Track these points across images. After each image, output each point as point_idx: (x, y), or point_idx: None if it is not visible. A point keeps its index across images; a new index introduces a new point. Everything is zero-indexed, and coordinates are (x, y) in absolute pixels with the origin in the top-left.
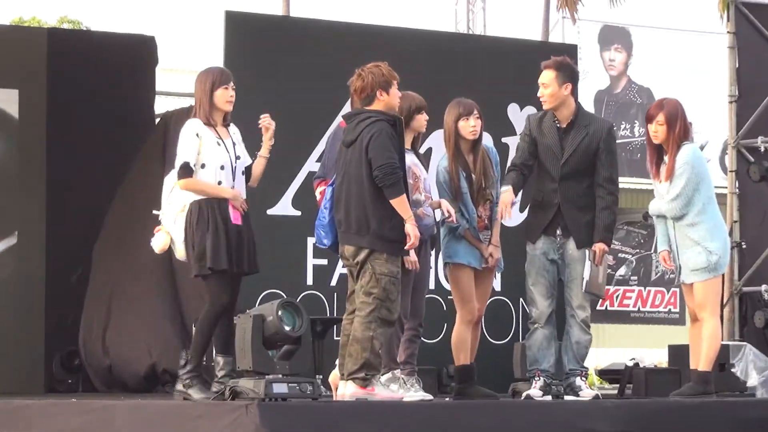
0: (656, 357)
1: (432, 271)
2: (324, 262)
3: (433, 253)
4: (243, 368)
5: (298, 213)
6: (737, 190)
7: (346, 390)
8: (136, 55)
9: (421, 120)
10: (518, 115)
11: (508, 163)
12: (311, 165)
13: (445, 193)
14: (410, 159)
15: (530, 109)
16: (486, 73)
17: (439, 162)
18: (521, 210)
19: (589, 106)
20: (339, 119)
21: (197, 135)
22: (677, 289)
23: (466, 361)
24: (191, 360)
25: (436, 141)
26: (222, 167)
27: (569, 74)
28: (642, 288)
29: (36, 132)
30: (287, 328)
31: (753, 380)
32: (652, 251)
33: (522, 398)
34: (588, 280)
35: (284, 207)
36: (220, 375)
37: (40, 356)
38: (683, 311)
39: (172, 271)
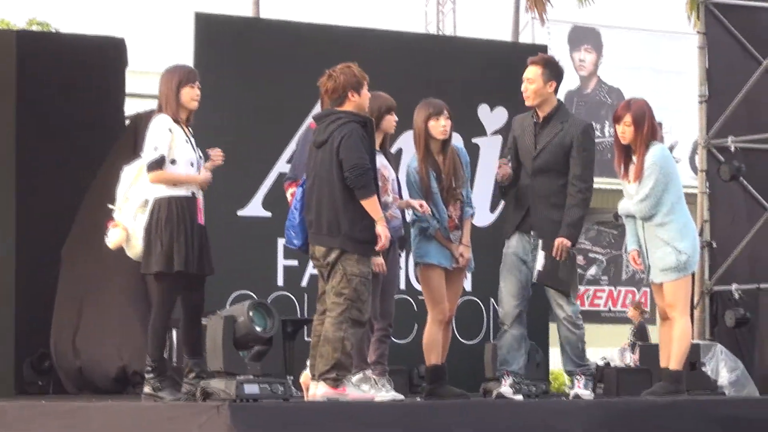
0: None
1: (402, 272)
2: (294, 263)
3: (402, 254)
4: (214, 369)
5: (269, 214)
6: (708, 190)
7: (317, 390)
8: (106, 57)
9: (391, 121)
10: (488, 116)
11: (479, 164)
12: (281, 166)
13: (415, 194)
14: (379, 161)
15: (501, 110)
16: (456, 74)
17: (409, 162)
18: (492, 210)
19: None
20: (309, 120)
21: (170, 130)
22: (647, 289)
23: (437, 361)
24: (156, 363)
25: (407, 142)
26: (192, 164)
27: (555, 72)
28: (612, 288)
29: (5, 134)
30: (258, 329)
31: (723, 379)
32: (623, 251)
33: (493, 397)
34: (540, 271)
35: (255, 208)
36: (190, 377)
37: (10, 358)
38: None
39: None
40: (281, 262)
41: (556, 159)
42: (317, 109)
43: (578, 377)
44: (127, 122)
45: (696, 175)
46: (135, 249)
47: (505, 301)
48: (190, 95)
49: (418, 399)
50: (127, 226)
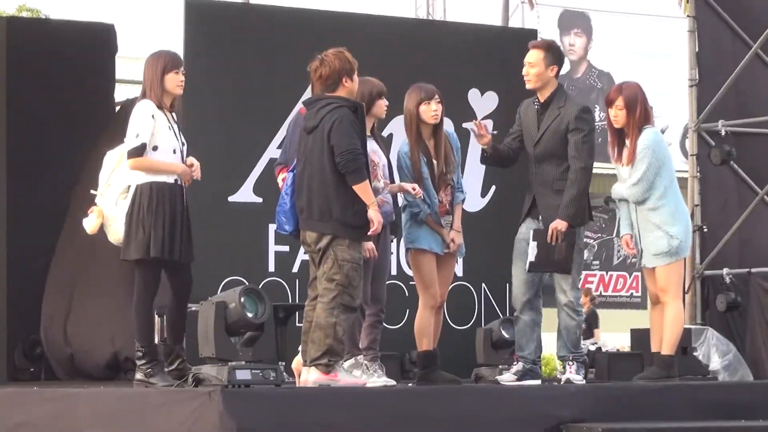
0: (618, 341)
1: (393, 258)
2: (286, 248)
3: (394, 239)
4: (206, 355)
5: (260, 200)
6: (698, 174)
7: (309, 376)
8: (95, 43)
9: (382, 106)
10: (479, 101)
11: (469, 149)
12: (272, 152)
13: (407, 179)
14: (369, 146)
15: (491, 94)
16: (446, 59)
17: (400, 147)
18: (482, 195)
19: None
20: (300, 105)
21: (153, 116)
22: (639, 273)
23: (428, 347)
24: (146, 349)
25: (397, 126)
26: (174, 151)
27: (557, 57)
28: (604, 272)
29: None
30: (250, 315)
31: (715, 364)
32: (614, 236)
33: (491, 381)
34: (532, 261)
35: (246, 194)
36: (176, 363)
37: (1, 345)
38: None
39: None
40: (272, 247)
41: (555, 145)
42: (308, 94)
43: (570, 362)
44: (117, 108)
45: (686, 159)
46: (116, 235)
47: (516, 287)
48: (175, 81)
49: (410, 384)
50: (109, 212)
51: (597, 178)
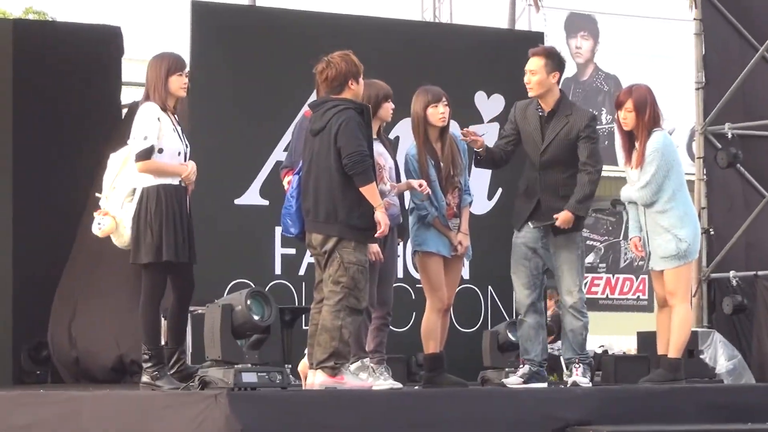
0: (625, 344)
1: (400, 260)
2: (292, 251)
3: (400, 242)
4: (212, 358)
5: (266, 202)
6: (705, 177)
7: (315, 379)
8: (102, 46)
9: (388, 108)
10: (485, 103)
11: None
12: (278, 154)
13: None
14: (376, 148)
15: (497, 97)
16: (452, 61)
17: (407, 150)
18: (489, 198)
19: None
20: (305, 108)
21: (158, 119)
22: (645, 276)
23: (435, 350)
24: (152, 352)
25: (404, 129)
26: (179, 153)
27: (558, 63)
28: (610, 275)
29: (2, 124)
30: (256, 318)
31: (721, 367)
32: (621, 238)
33: (497, 384)
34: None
35: (252, 196)
36: (178, 366)
37: (7, 348)
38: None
39: None
40: (279, 250)
41: (563, 152)
42: (314, 96)
43: (576, 365)
44: (125, 111)
45: (693, 162)
46: (123, 238)
47: (518, 292)
48: (179, 83)
49: (416, 387)
50: (115, 215)
51: (603, 181)
